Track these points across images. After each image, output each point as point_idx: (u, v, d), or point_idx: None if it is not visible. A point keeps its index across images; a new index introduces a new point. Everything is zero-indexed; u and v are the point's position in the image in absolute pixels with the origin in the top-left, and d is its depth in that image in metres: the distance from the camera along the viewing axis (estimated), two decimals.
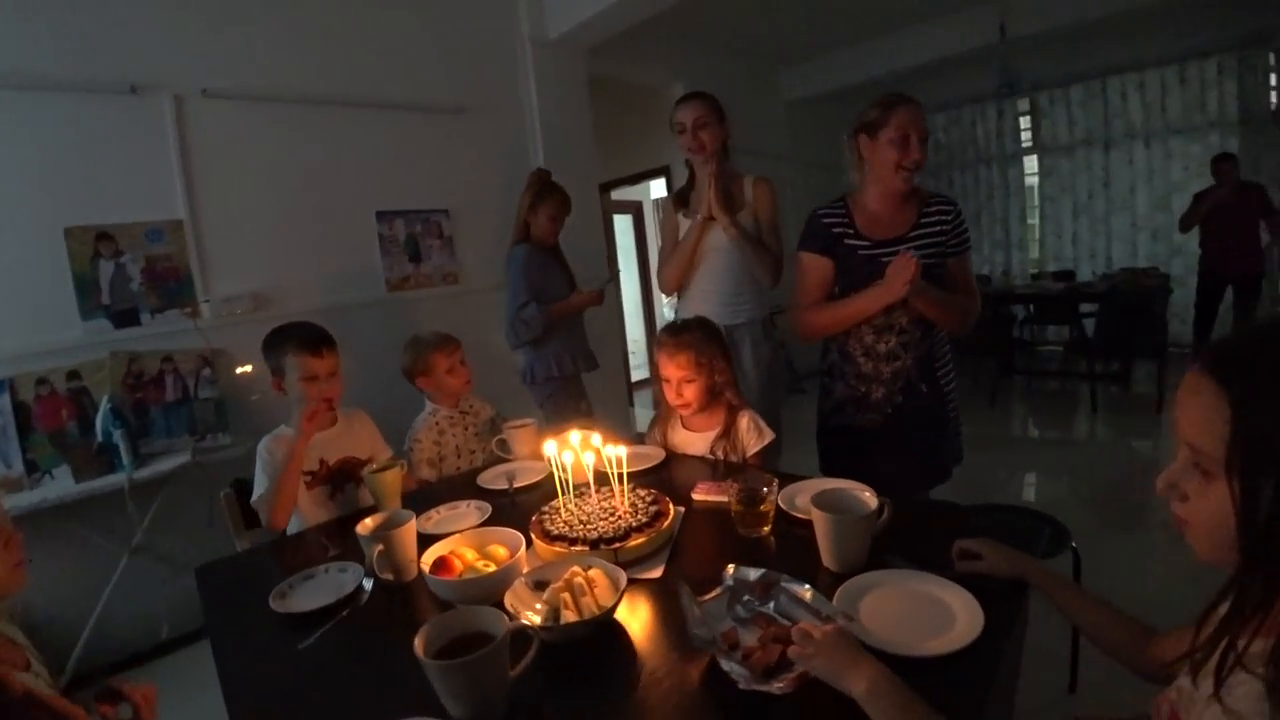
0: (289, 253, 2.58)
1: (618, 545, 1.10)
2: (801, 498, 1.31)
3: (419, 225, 3.04)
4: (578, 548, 1.10)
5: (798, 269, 1.75)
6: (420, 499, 1.51)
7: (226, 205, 2.43)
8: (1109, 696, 1.00)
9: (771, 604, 0.90)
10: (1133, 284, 4.65)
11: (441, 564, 1.01)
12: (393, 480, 1.42)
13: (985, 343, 5.02)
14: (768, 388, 2.12)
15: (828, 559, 1.07)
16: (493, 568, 1.01)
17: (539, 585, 1.00)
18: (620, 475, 1.21)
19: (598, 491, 1.25)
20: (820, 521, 1.05)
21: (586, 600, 0.92)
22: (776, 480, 1.23)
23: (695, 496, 1.39)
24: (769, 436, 1.63)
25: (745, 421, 1.64)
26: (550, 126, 3.38)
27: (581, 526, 1.16)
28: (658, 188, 6.15)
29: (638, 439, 1.84)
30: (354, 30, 2.76)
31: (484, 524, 1.31)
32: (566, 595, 0.92)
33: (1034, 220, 6.34)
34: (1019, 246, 6.40)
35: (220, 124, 2.42)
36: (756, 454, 1.63)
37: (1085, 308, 4.91)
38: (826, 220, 1.69)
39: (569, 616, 0.89)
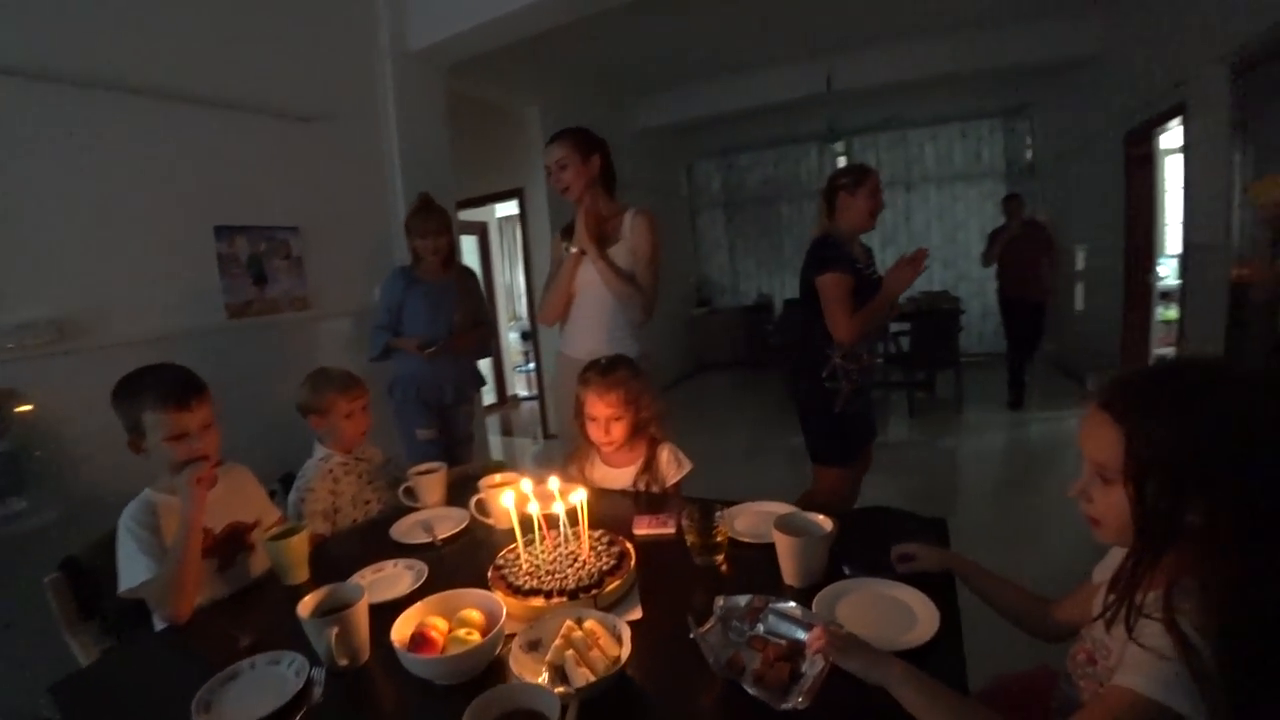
0: (107, 271, 2.10)
1: (595, 592, 1.06)
2: (740, 522, 1.37)
3: (264, 244, 2.66)
4: (555, 600, 1.04)
5: (835, 287, 2.06)
6: (327, 562, 1.33)
7: (20, 209, 1.93)
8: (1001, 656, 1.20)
9: (760, 626, 0.94)
10: (935, 306, 5.48)
11: (421, 640, 0.89)
12: (300, 546, 1.24)
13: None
14: None
15: (792, 577, 1.13)
16: (475, 635, 0.92)
17: (533, 646, 0.93)
18: (582, 519, 1.16)
19: (549, 536, 1.19)
20: (787, 544, 1.12)
21: (595, 654, 0.87)
22: (722, 509, 1.26)
23: (637, 532, 1.38)
24: (688, 466, 1.66)
25: (666, 454, 1.66)
26: (409, 141, 3.17)
27: (548, 576, 1.10)
28: (506, 208, 6.08)
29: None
30: (197, 16, 2.37)
31: (424, 584, 1.18)
32: (571, 653, 0.87)
33: None
34: None
35: (16, 107, 1.92)
36: (675, 484, 1.66)
37: (894, 326, 5.72)
38: (843, 251, 2.13)
39: (584, 674, 0.83)
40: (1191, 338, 3.83)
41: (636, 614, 1.06)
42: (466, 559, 1.34)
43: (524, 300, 5.72)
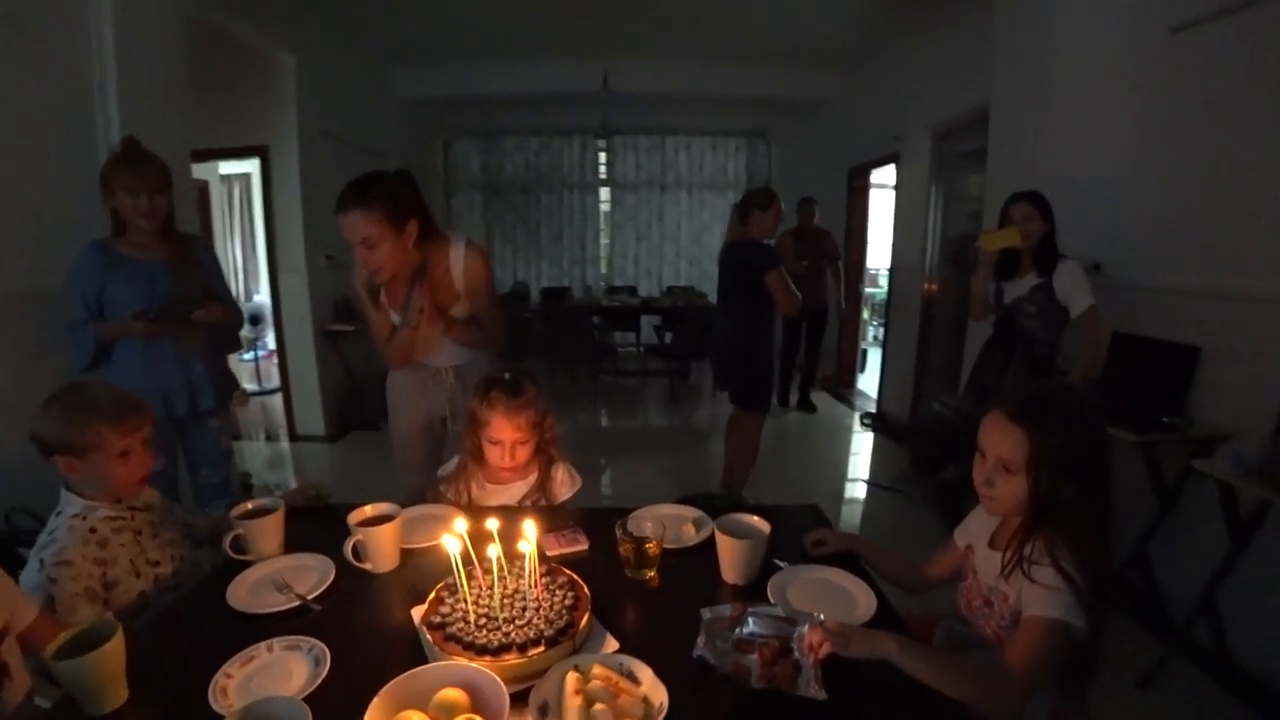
0: None
1: (573, 632, 0.95)
2: (650, 530, 1.37)
3: None
4: (537, 650, 0.90)
5: (780, 278, 2.82)
6: (148, 663, 0.95)
7: None
8: None
9: (740, 629, 0.96)
10: (689, 300, 6.06)
11: None
12: (115, 656, 0.86)
13: (578, 350, 5.79)
14: None
15: (736, 576, 1.21)
16: None
17: (543, 712, 0.80)
18: (531, 553, 1.03)
19: (482, 578, 1.03)
20: (734, 546, 1.19)
21: (625, 701, 0.80)
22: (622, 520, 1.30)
23: (549, 553, 1.28)
24: (578, 483, 1.60)
25: (562, 473, 1.58)
26: (128, 66, 2.39)
27: (511, 626, 0.95)
28: (234, 165, 4.99)
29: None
30: None
31: (329, 667, 0.92)
32: (601, 707, 0.78)
33: (606, 241, 7.55)
34: (593, 263, 7.51)
35: None
36: (564, 501, 1.59)
37: (656, 321, 6.19)
38: (774, 251, 2.92)
39: None
40: (894, 337, 4.92)
41: (614, 645, 0.99)
42: (359, 622, 1.10)
43: (265, 275, 4.64)
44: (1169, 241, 2.32)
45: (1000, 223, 2.39)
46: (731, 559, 1.19)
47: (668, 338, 6.06)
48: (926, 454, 3.92)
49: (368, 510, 1.29)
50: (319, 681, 0.89)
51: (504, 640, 0.92)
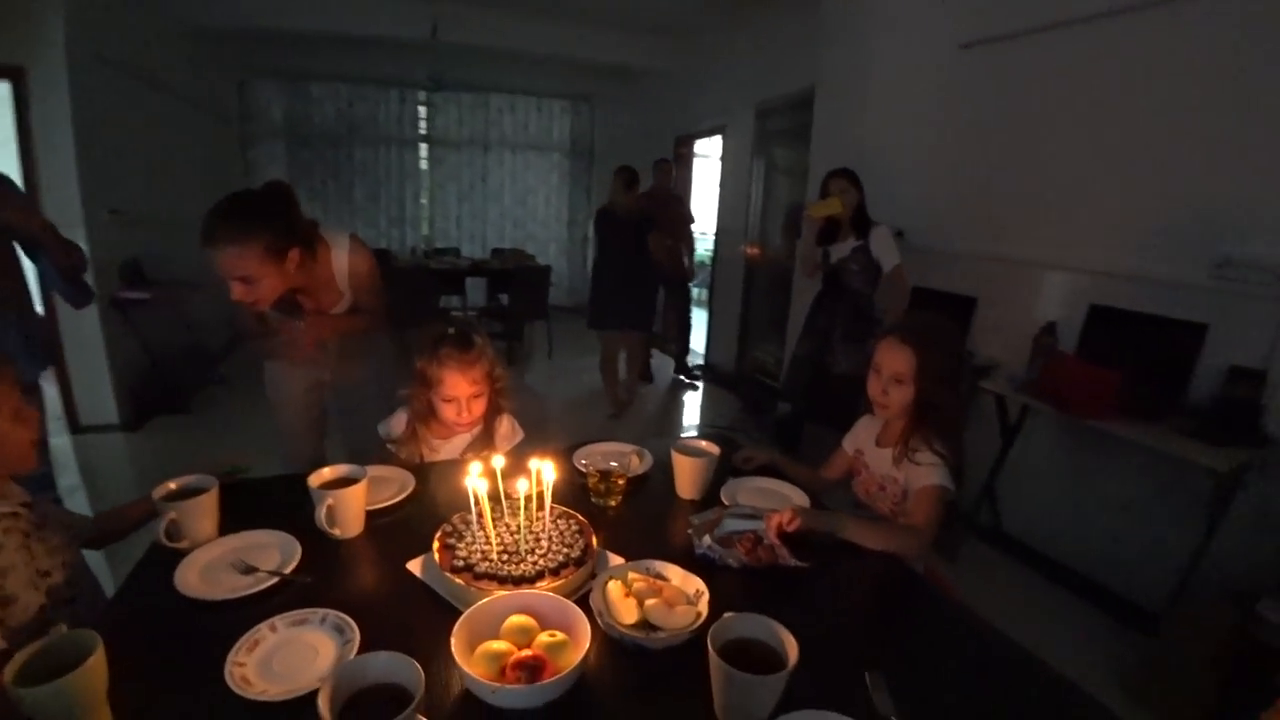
0: None
1: (592, 552, 1.06)
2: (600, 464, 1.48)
3: None
4: (568, 571, 0.99)
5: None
6: (126, 688, 0.79)
7: None
8: None
9: (720, 530, 1.16)
10: (520, 262, 6.00)
11: (535, 665, 0.76)
12: (97, 674, 0.73)
13: (413, 315, 5.48)
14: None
15: (691, 492, 1.39)
16: (557, 634, 0.83)
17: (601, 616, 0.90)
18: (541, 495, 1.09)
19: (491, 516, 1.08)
20: (691, 464, 1.37)
21: (668, 593, 0.95)
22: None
23: None
24: (520, 435, 1.63)
25: (506, 424, 1.59)
26: None
27: (534, 555, 1.02)
28: None
29: None
30: None
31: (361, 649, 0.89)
32: (653, 601, 0.92)
33: (425, 201, 7.12)
34: (412, 224, 7.07)
35: None
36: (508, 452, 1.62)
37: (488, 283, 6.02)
38: None
39: (682, 613, 0.91)
40: (719, 296, 5.40)
41: (620, 560, 1.11)
42: (359, 586, 1.08)
43: None
44: (955, 216, 2.97)
45: (821, 194, 2.83)
46: (689, 476, 1.37)
47: (504, 299, 5.97)
48: (757, 398, 4.47)
49: (326, 473, 1.22)
50: (355, 649, 0.86)
51: (537, 569, 0.99)
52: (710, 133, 5.41)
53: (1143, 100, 2.26)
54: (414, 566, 1.08)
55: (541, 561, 1.01)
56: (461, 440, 1.55)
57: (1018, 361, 2.54)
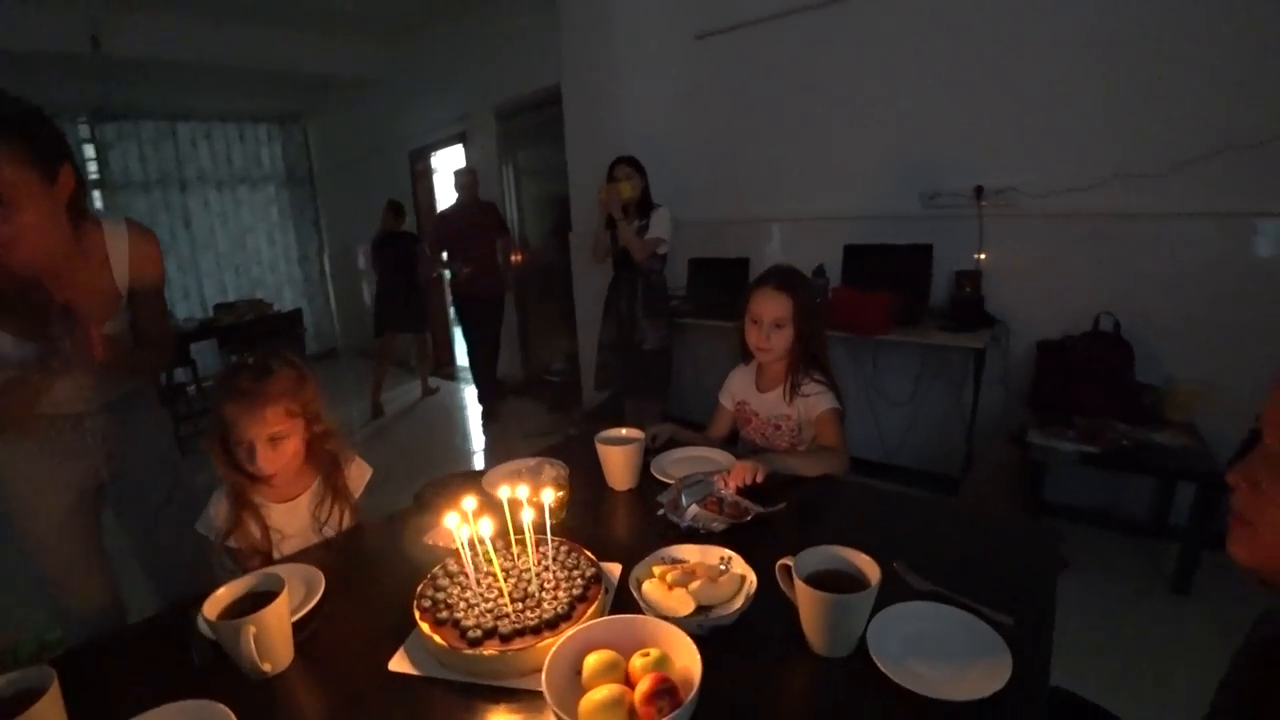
0: None
1: (598, 569, 0.98)
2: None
3: None
4: (597, 589, 0.92)
5: None
6: None
7: None
8: None
9: (683, 495, 1.21)
10: (263, 314, 5.15)
11: (668, 691, 0.70)
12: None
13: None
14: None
15: (625, 482, 1.37)
16: (653, 651, 0.77)
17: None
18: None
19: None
20: (620, 453, 1.35)
21: (700, 572, 0.95)
22: None
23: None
24: (369, 470, 1.39)
25: (355, 467, 1.36)
26: None
27: (553, 590, 0.93)
28: None
29: None
30: None
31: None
32: (696, 583, 0.93)
33: None
34: None
35: None
36: (361, 495, 1.38)
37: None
38: None
39: (722, 588, 0.93)
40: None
41: (617, 568, 1.07)
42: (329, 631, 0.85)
43: None
44: (718, 189, 3.33)
45: (608, 180, 2.94)
46: (621, 465, 1.34)
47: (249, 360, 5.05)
48: (558, 396, 4.42)
49: (221, 595, 0.93)
50: None
51: (565, 603, 0.89)
52: (449, 142, 5.18)
53: (864, 73, 2.82)
54: (398, 664, 0.89)
55: (560, 594, 0.92)
56: (306, 498, 1.29)
57: None
